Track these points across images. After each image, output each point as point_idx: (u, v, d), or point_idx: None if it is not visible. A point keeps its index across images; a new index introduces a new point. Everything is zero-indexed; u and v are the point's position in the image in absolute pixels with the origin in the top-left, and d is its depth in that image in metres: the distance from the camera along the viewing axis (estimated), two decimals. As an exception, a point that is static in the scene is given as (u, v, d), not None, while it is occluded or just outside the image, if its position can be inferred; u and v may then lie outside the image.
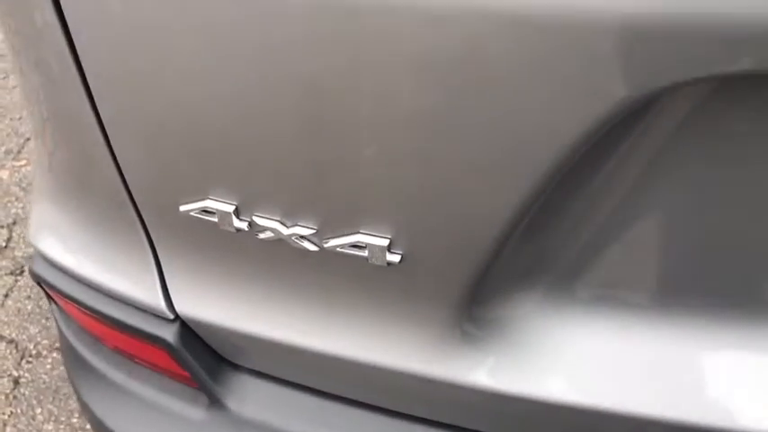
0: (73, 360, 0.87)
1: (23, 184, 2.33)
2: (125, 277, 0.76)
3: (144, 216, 0.70)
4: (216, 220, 0.66)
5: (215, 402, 0.79)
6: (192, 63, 0.56)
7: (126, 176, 0.67)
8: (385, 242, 0.61)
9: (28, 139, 2.48)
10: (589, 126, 0.50)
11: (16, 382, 1.86)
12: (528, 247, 0.62)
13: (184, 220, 0.67)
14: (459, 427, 0.75)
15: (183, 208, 0.66)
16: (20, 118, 2.57)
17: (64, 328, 0.87)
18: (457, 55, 0.49)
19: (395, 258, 0.62)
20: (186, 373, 0.78)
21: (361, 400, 0.77)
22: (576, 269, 0.64)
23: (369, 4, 0.49)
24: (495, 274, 0.63)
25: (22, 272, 2.11)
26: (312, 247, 0.64)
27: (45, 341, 1.94)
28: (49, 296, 0.89)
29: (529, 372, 0.67)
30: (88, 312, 0.79)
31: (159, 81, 0.58)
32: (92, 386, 0.85)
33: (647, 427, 0.66)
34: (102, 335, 0.81)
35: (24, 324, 1.99)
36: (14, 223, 2.23)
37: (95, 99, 0.62)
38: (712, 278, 0.62)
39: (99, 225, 0.76)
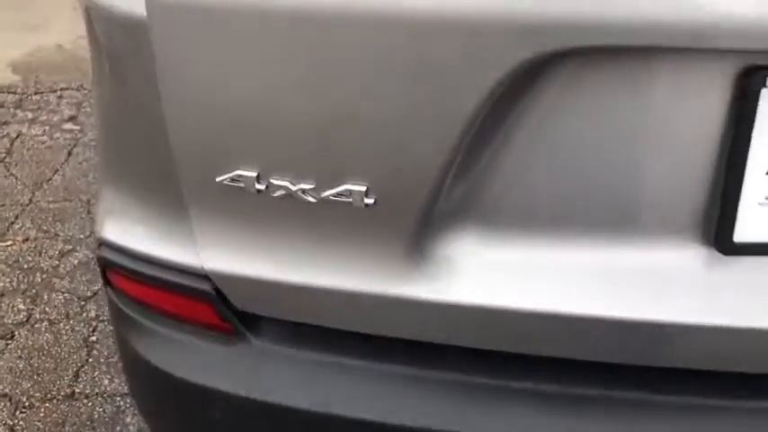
0: (125, 324, 1.14)
1: (10, 262, 2.55)
2: (172, 247, 1.03)
3: (185, 188, 0.98)
4: (243, 185, 0.94)
5: (241, 339, 1.05)
6: (232, 79, 0.87)
7: (178, 162, 0.96)
8: (363, 188, 0.91)
9: (12, 223, 2.71)
10: (490, 89, 0.81)
11: (11, 430, 2.02)
12: (456, 191, 0.92)
13: (217, 188, 0.96)
14: (417, 341, 1.02)
15: (218, 178, 0.95)
16: (2, 205, 2.80)
17: (117, 302, 1.14)
18: (401, 53, 0.81)
19: (370, 201, 0.91)
20: (219, 320, 1.04)
21: (349, 329, 1.04)
22: (492, 205, 0.94)
23: (346, 19, 0.81)
24: (435, 214, 0.93)
25: (13, 337, 2.29)
26: (312, 199, 0.93)
27: (38, 394, 2.11)
28: (105, 281, 1.15)
29: (458, 284, 0.96)
30: (145, 281, 1.06)
31: (210, 91, 0.89)
32: (140, 339, 1.11)
33: (551, 321, 0.95)
34: (151, 299, 1.08)
35: (17, 380, 2.16)
36: (2, 295, 2.43)
37: (163, 102, 0.92)
38: (595, 202, 0.91)
39: (152, 209, 1.04)
